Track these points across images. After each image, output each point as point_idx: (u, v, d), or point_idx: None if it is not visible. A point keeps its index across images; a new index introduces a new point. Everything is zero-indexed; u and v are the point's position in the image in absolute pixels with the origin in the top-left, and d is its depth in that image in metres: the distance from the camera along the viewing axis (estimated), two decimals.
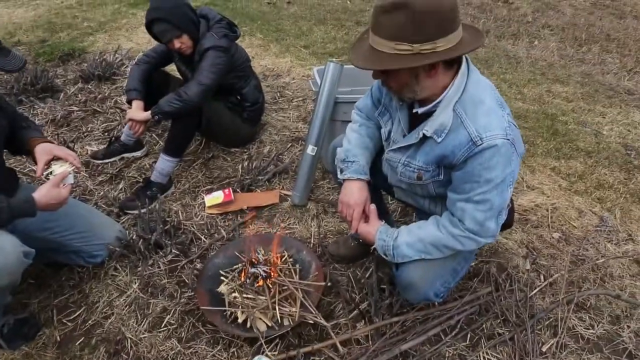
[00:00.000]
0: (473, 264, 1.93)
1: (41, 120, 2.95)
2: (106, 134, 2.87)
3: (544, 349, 1.65)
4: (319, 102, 2.19)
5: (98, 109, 3.10)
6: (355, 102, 2.20)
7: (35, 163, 1.76)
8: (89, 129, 2.90)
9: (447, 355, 1.65)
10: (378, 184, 1.75)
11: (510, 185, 1.32)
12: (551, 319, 1.76)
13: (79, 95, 3.27)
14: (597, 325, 1.75)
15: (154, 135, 2.84)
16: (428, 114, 1.34)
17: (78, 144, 2.76)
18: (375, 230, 1.52)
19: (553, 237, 2.15)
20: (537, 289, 1.87)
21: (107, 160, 2.60)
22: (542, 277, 1.94)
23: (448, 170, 1.37)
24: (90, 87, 3.37)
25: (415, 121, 1.40)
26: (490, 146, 1.23)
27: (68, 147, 2.63)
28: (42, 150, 1.68)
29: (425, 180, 1.43)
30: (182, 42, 2.25)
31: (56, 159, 1.71)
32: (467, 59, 1.32)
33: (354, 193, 1.55)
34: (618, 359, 1.64)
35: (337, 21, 4.98)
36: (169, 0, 2.20)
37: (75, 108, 3.10)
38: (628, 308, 1.82)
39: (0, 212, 1.45)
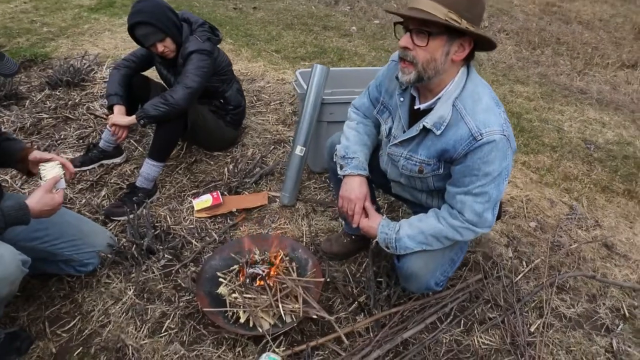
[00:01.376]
0: None
1: (8, 128, 2.82)
2: (81, 141, 2.79)
3: (532, 329, 1.77)
4: (306, 104, 2.23)
5: (70, 116, 3.00)
6: (340, 102, 2.30)
7: (24, 173, 1.71)
8: (62, 137, 2.81)
9: (444, 341, 1.73)
10: (374, 180, 1.82)
11: (505, 179, 1.42)
12: (536, 301, 1.88)
13: (47, 102, 3.15)
14: (577, 305, 1.89)
15: (132, 141, 2.78)
16: (428, 111, 1.42)
17: (52, 151, 2.67)
18: (377, 224, 1.59)
19: (530, 226, 2.29)
20: (521, 274, 2.00)
21: (85, 168, 2.52)
22: (524, 263, 2.07)
23: (448, 165, 1.45)
24: (58, 93, 3.25)
25: (416, 118, 1.47)
26: (489, 141, 1.32)
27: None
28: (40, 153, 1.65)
29: (426, 173, 1.50)
30: (166, 46, 2.23)
31: (44, 161, 1.66)
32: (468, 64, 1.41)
33: (355, 188, 1.61)
34: (597, 333, 1.78)
35: (305, 26, 5.06)
36: (151, 3, 2.18)
37: (45, 115, 2.98)
38: (602, 287, 1.98)
39: None
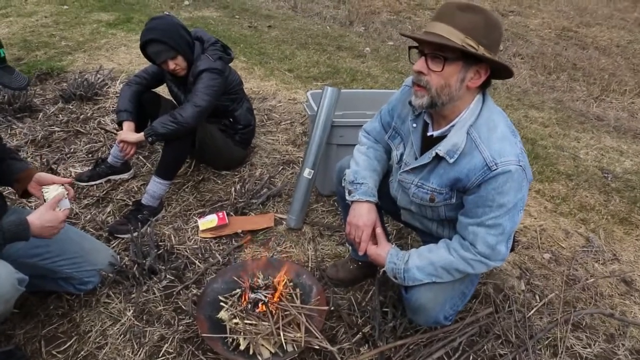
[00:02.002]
0: None
1: (20, 141, 2.84)
2: (90, 155, 2.79)
3: None
4: (316, 126, 2.20)
5: (81, 130, 3.01)
6: (350, 125, 2.27)
7: (19, 193, 1.69)
8: (72, 150, 2.81)
9: None
10: (383, 207, 1.77)
11: (520, 210, 1.36)
12: (550, 339, 1.80)
13: (60, 115, 3.17)
14: (594, 344, 1.79)
15: (141, 157, 2.77)
16: (441, 138, 1.38)
17: (61, 165, 2.67)
18: (385, 252, 1.53)
19: (544, 258, 2.21)
20: (534, 309, 1.91)
21: (92, 183, 2.52)
22: (537, 297, 1.98)
23: (460, 194, 1.40)
24: (71, 107, 3.27)
25: (428, 145, 1.43)
26: (505, 172, 1.27)
27: (50, 169, 2.57)
28: (41, 176, 1.63)
29: (437, 202, 1.45)
30: (177, 64, 2.23)
31: (47, 184, 1.65)
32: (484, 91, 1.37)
33: (363, 215, 1.56)
34: None
35: (319, 46, 5.08)
36: (164, 22, 2.20)
37: (57, 128, 3.00)
38: (621, 326, 1.88)
39: None
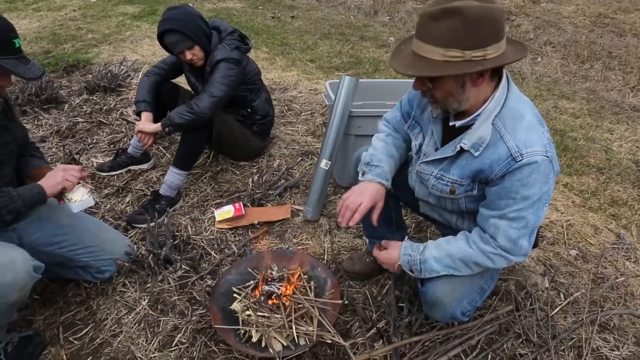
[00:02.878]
0: None
1: (46, 132, 2.91)
2: (112, 146, 2.83)
3: None
4: (333, 116, 2.16)
5: (104, 121, 3.06)
6: (369, 115, 2.21)
7: None
8: (94, 141, 2.86)
9: None
10: (402, 198, 1.72)
11: (545, 204, 1.29)
12: (574, 340, 1.71)
13: (84, 106, 3.23)
14: (622, 347, 1.70)
15: (160, 147, 2.79)
16: (464, 128, 1.31)
17: (83, 155, 2.71)
18: (397, 248, 1.48)
19: (570, 255, 2.11)
20: (558, 307, 1.83)
21: (113, 173, 2.55)
22: (562, 295, 1.90)
23: (482, 186, 1.34)
24: (95, 98, 3.33)
25: (449, 134, 1.37)
26: (530, 162, 1.20)
27: (73, 159, 2.61)
28: None
29: (458, 194, 1.39)
30: (194, 54, 2.23)
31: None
32: (507, 74, 1.29)
33: (370, 190, 1.50)
34: None
35: (342, 36, 5.01)
36: (181, 11, 2.18)
37: (81, 119, 3.06)
38: None
39: (13, 200, 1.44)
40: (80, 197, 1.66)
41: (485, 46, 1.12)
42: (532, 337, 1.69)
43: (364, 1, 6.61)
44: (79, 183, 1.66)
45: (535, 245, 1.63)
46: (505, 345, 1.68)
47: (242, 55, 2.33)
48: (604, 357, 1.67)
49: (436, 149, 1.42)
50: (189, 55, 2.21)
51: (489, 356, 1.65)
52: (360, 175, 1.58)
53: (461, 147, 1.31)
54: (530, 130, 1.23)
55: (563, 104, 3.66)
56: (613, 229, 2.28)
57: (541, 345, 1.67)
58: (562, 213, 2.36)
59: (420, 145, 1.48)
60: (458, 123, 1.33)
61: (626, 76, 4.54)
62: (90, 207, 2.25)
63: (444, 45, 1.12)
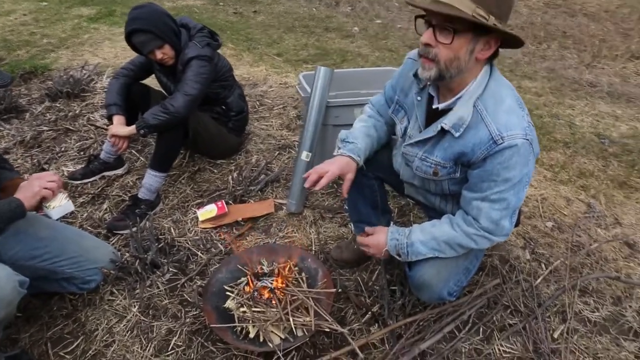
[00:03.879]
0: None
1: (8, 143, 2.78)
2: (82, 153, 2.74)
3: (555, 335, 1.69)
4: (310, 108, 2.16)
5: (70, 128, 2.95)
6: (345, 105, 2.23)
7: None
8: (62, 149, 2.76)
9: (463, 350, 1.65)
10: (387, 181, 1.75)
11: (526, 186, 1.33)
12: (558, 306, 1.80)
13: (47, 114, 3.10)
14: (602, 308, 1.80)
15: (133, 151, 2.73)
16: (446, 111, 1.35)
17: (53, 165, 2.61)
18: (384, 233, 1.51)
19: (547, 226, 2.21)
20: (541, 277, 1.91)
21: (86, 180, 2.47)
22: (543, 265, 1.98)
23: (465, 169, 1.38)
24: (58, 105, 3.21)
25: (433, 117, 1.40)
26: (511, 146, 1.23)
27: (42, 169, 2.52)
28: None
29: (441, 176, 1.42)
30: (164, 53, 2.18)
31: None
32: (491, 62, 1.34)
33: (339, 160, 1.53)
34: (625, 338, 1.69)
35: (306, 28, 5.00)
36: (148, 10, 2.13)
37: (45, 128, 2.94)
38: (627, 288, 1.89)
39: None
40: (59, 203, 1.60)
41: (502, 19, 1.18)
42: (519, 307, 1.77)
43: None
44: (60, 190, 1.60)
45: (516, 225, 1.69)
46: (494, 318, 1.75)
47: (213, 52, 2.30)
48: (586, 319, 1.76)
49: (420, 132, 1.45)
50: (159, 54, 2.16)
51: (481, 329, 1.71)
52: (335, 150, 1.61)
53: (442, 127, 1.34)
54: (511, 113, 1.26)
55: (526, 83, 3.80)
56: (583, 199, 2.40)
57: (528, 314, 1.74)
58: (535, 188, 2.46)
59: (406, 129, 1.51)
60: (441, 105, 1.36)
61: (581, 54, 4.75)
62: (67, 217, 2.20)
63: (476, 1, 1.15)
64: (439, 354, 1.61)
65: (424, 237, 1.45)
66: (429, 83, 1.40)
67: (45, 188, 1.52)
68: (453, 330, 1.68)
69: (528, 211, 2.29)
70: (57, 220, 1.65)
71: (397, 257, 1.52)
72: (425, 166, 1.44)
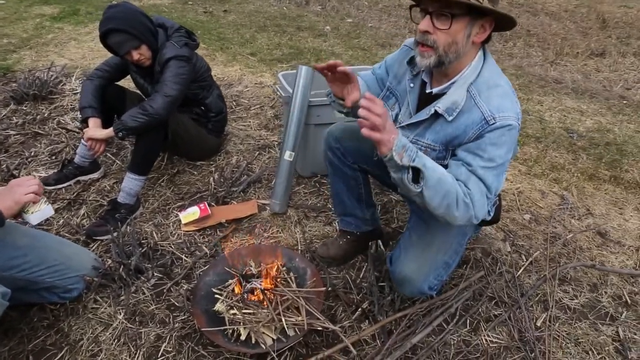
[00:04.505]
0: None
1: None
2: (54, 157, 2.64)
3: (538, 324, 1.75)
4: (293, 107, 2.16)
5: (40, 131, 2.84)
6: (327, 104, 2.23)
7: None
8: (32, 154, 2.65)
9: (452, 342, 1.69)
10: (372, 172, 1.78)
11: (504, 173, 1.37)
12: (539, 295, 1.87)
13: (14, 117, 2.97)
14: (580, 295, 1.88)
15: (109, 154, 2.65)
16: (439, 95, 1.37)
17: (23, 170, 2.51)
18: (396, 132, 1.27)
19: (524, 219, 2.28)
20: (522, 268, 1.98)
21: (60, 186, 2.38)
22: (523, 257, 2.05)
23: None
24: (25, 108, 3.08)
25: (426, 102, 1.42)
26: (503, 125, 1.26)
27: (12, 176, 2.41)
28: None
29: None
30: (141, 53, 2.12)
31: None
32: (484, 47, 1.37)
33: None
34: (603, 322, 1.77)
35: (278, 27, 4.98)
36: (124, 9, 2.07)
37: (12, 132, 2.81)
38: (602, 276, 1.98)
39: None
40: (38, 208, 1.53)
41: (494, 2, 1.22)
42: (503, 298, 1.82)
43: None
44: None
45: (497, 220, 1.74)
46: (480, 309, 1.80)
47: (191, 52, 2.26)
48: (566, 306, 1.83)
49: (410, 116, 1.48)
50: (136, 55, 2.11)
51: (468, 321, 1.76)
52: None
53: (435, 111, 1.36)
54: (504, 97, 1.30)
55: None
56: (557, 191, 2.49)
57: (512, 304, 1.80)
58: (511, 182, 2.54)
59: (397, 115, 1.54)
60: (435, 90, 1.39)
61: (545, 52, 4.93)
62: (42, 224, 2.11)
63: None
64: (429, 347, 1.64)
65: (430, 163, 1.30)
66: (422, 70, 1.42)
67: (28, 194, 1.46)
68: (442, 323, 1.72)
69: (506, 204, 2.37)
70: (35, 225, 1.58)
71: (398, 158, 1.24)
72: None
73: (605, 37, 5.42)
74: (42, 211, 1.54)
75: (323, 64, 1.34)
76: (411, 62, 1.48)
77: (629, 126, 3.28)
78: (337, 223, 2.17)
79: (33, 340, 1.65)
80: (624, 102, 3.72)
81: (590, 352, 1.65)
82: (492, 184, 1.33)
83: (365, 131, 1.18)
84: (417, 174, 1.27)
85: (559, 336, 1.70)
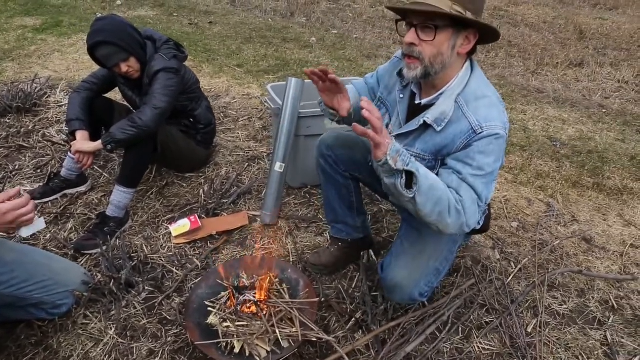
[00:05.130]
0: None
1: None
2: (39, 170, 2.59)
3: (529, 330, 1.77)
4: (283, 119, 2.17)
5: (24, 144, 2.79)
6: (317, 115, 2.26)
7: None
8: (16, 167, 2.60)
9: (445, 350, 1.70)
10: (363, 180, 1.82)
11: (494, 181, 1.40)
12: (529, 301, 1.89)
13: None
14: (569, 301, 1.91)
15: (96, 167, 2.62)
16: (429, 106, 1.41)
17: (7, 184, 2.46)
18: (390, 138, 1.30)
19: (512, 227, 2.32)
20: (511, 275, 2.01)
21: (46, 200, 2.34)
22: (512, 264, 2.08)
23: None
24: (8, 120, 3.03)
25: (415, 113, 1.46)
26: (490, 134, 1.29)
27: None
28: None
29: None
30: (130, 66, 2.12)
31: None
32: (471, 59, 1.41)
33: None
34: (591, 327, 1.81)
35: (264, 39, 5.00)
36: (112, 22, 2.07)
37: None
38: (589, 281, 2.02)
39: None
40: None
41: (477, 14, 1.26)
42: (494, 305, 1.84)
43: (279, 3, 6.65)
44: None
45: (486, 229, 1.78)
46: (472, 317, 1.82)
47: (180, 64, 2.26)
48: (556, 312, 1.86)
49: (400, 127, 1.50)
50: (124, 67, 2.10)
51: (460, 328, 1.77)
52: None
53: (424, 122, 1.39)
54: (491, 107, 1.34)
55: None
56: (542, 199, 2.55)
57: (503, 311, 1.82)
58: (498, 190, 2.59)
59: (387, 125, 1.56)
60: (424, 101, 1.42)
61: (526, 62, 5.05)
62: (28, 239, 2.08)
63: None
64: (423, 356, 1.65)
65: (423, 169, 1.30)
66: (411, 82, 1.46)
67: (21, 220, 1.39)
68: (434, 332, 1.73)
69: (494, 212, 2.41)
70: (24, 238, 1.54)
71: (392, 162, 1.24)
72: None
73: (583, 47, 5.58)
74: (33, 225, 1.51)
75: (314, 68, 1.38)
76: (401, 73, 1.52)
77: (609, 134, 3.37)
78: (328, 233, 2.17)
79: (21, 358, 1.61)
80: (603, 110, 3.82)
81: (580, 357, 1.68)
82: (482, 192, 1.35)
83: (370, 132, 1.19)
84: (409, 180, 1.29)
85: (549, 342, 1.73)
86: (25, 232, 1.49)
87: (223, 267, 1.89)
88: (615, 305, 1.91)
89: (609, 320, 1.84)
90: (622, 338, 1.77)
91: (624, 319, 1.85)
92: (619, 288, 2.00)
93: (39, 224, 1.50)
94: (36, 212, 1.51)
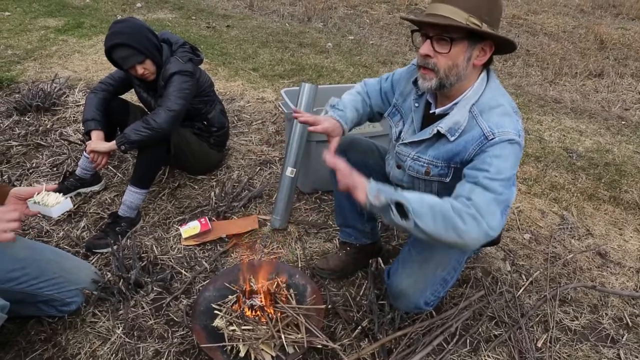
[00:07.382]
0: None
1: None
2: (55, 169, 2.64)
3: (539, 345, 1.74)
4: (295, 123, 2.18)
5: (42, 143, 2.84)
6: None
7: None
8: (33, 165, 2.65)
9: None
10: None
11: (514, 185, 1.36)
12: (540, 315, 1.86)
13: (16, 128, 2.98)
14: (581, 317, 1.87)
15: (110, 167, 2.65)
16: (443, 116, 1.40)
17: (24, 181, 2.51)
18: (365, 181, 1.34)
19: (524, 238, 2.28)
20: (522, 288, 1.97)
21: None
22: (523, 276, 2.05)
23: (459, 170, 1.39)
24: (27, 119, 3.09)
25: (429, 122, 1.45)
26: (502, 140, 1.26)
27: (13, 186, 2.41)
28: (18, 191, 1.52)
29: (432, 176, 1.46)
30: (146, 68, 2.15)
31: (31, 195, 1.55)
32: (488, 69, 1.40)
33: (330, 120, 1.62)
34: (604, 345, 1.76)
35: (280, 43, 5.03)
36: (130, 24, 2.10)
37: (14, 143, 2.82)
38: (602, 297, 1.97)
39: None
40: (56, 200, 1.52)
41: (494, 26, 1.26)
42: (504, 318, 1.81)
43: (296, 9, 6.69)
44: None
45: (497, 241, 1.76)
46: (480, 329, 1.79)
47: (195, 67, 2.28)
48: (567, 327, 1.82)
49: (414, 134, 1.50)
50: (140, 70, 2.13)
51: (468, 341, 1.75)
52: (322, 113, 1.69)
53: (438, 131, 1.38)
54: (504, 116, 1.31)
55: None
56: (557, 211, 2.50)
57: (513, 325, 1.79)
58: None
59: (400, 132, 1.57)
60: (438, 110, 1.42)
61: (544, 71, 4.98)
62: (41, 236, 2.11)
63: (469, 11, 1.22)
64: None
65: (411, 195, 1.29)
66: (426, 92, 1.46)
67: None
68: (442, 343, 1.71)
69: (506, 224, 2.37)
70: (57, 217, 1.55)
71: (375, 201, 1.27)
72: (417, 165, 1.49)
73: (603, 58, 5.49)
74: (62, 204, 1.53)
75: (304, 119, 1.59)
76: (416, 82, 1.51)
77: (628, 147, 3.31)
78: (337, 239, 2.16)
79: (30, 354, 1.64)
80: (623, 122, 3.75)
81: None
82: (503, 192, 1.26)
83: (340, 178, 1.33)
84: (403, 210, 1.26)
85: (559, 358, 1.69)
86: (55, 212, 1.52)
87: (231, 270, 1.89)
88: (630, 323, 1.86)
89: (622, 338, 1.79)
90: (636, 357, 1.72)
91: (639, 337, 1.80)
92: (634, 305, 1.95)
93: (66, 204, 1.54)
94: (60, 194, 1.54)
